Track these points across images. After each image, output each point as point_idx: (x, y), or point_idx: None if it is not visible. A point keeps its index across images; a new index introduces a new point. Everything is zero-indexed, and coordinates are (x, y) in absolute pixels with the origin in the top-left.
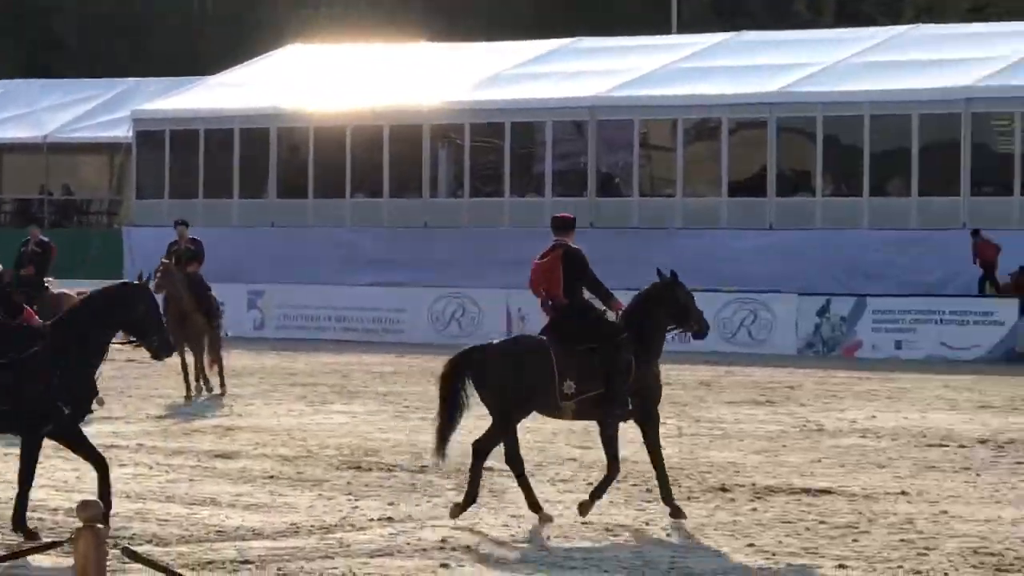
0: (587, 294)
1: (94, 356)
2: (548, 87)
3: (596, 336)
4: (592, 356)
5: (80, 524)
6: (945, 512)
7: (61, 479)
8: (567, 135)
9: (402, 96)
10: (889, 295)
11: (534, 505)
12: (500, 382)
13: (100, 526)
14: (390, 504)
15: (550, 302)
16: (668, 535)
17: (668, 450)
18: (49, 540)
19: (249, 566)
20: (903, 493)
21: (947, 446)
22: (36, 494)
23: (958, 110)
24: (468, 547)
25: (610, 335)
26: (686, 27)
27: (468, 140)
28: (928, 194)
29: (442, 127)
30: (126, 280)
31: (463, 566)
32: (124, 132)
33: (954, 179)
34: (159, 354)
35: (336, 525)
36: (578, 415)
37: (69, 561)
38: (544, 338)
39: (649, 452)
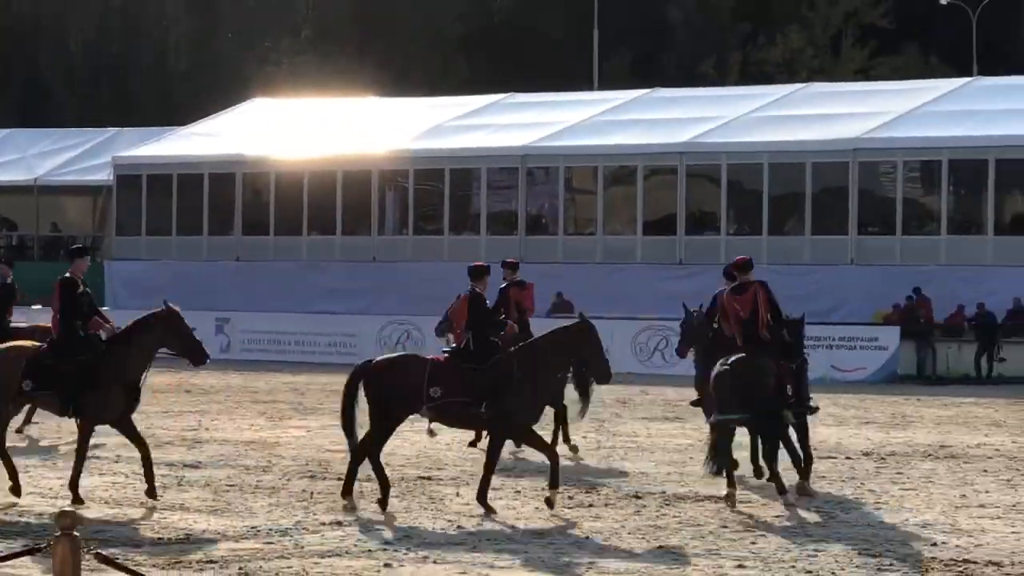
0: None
1: None
2: (483, 137)
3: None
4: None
5: (58, 532)
6: (833, 517)
7: (47, 487)
8: (500, 180)
9: (354, 145)
10: None
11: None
12: None
13: (76, 534)
14: (340, 510)
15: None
16: (587, 537)
17: (587, 461)
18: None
19: (213, 566)
20: (796, 501)
21: (835, 458)
22: (23, 500)
23: (847, 159)
24: (408, 549)
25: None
26: (607, 83)
27: (412, 184)
28: (820, 233)
29: (389, 173)
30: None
31: (403, 565)
32: (106, 176)
33: (843, 220)
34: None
35: (291, 528)
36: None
37: (48, 564)
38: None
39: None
